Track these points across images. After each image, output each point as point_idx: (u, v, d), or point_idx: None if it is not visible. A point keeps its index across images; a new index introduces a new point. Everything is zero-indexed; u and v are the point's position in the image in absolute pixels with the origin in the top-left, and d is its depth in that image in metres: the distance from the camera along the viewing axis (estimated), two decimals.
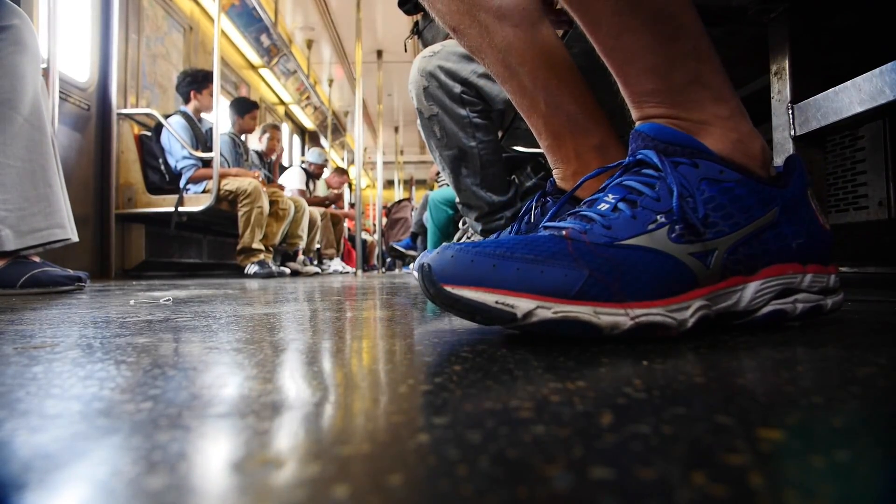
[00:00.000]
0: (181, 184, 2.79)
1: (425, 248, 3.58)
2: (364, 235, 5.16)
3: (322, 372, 0.30)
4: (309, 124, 6.64)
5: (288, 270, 3.35)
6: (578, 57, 0.69)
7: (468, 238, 1.35)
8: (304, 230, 3.56)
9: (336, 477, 0.15)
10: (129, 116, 2.86)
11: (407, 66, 1.38)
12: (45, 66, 1.85)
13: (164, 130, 2.83)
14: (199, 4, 3.82)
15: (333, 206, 4.94)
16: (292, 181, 4.43)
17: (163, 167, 2.86)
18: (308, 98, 5.88)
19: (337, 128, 7.18)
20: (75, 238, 1.29)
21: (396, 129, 8.48)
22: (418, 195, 8.76)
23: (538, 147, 0.73)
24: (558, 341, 0.38)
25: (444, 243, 0.42)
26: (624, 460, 0.16)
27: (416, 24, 1.46)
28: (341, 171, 5.53)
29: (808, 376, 0.27)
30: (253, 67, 4.93)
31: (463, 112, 1.17)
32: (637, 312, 0.36)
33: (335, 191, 5.42)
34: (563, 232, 0.39)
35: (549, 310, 0.35)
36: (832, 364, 0.29)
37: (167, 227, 2.87)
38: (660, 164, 0.41)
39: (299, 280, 2.35)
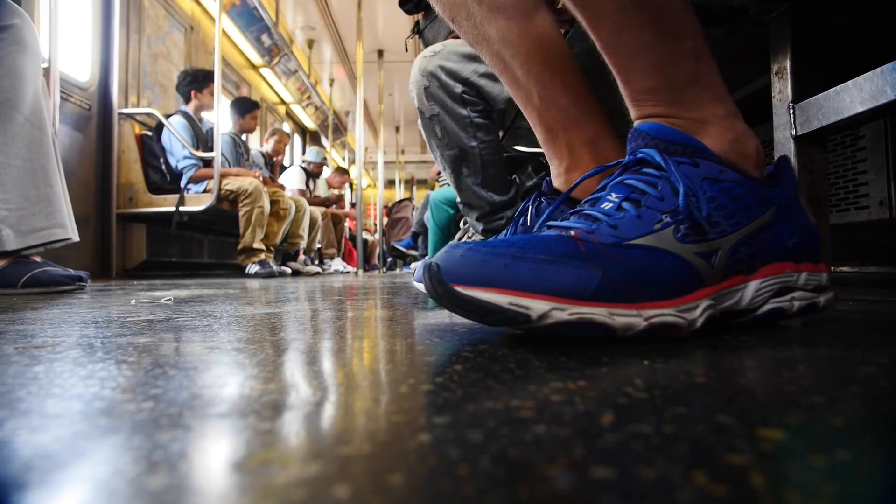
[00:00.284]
0: (182, 183, 2.79)
1: (426, 247, 3.58)
2: (365, 235, 5.15)
3: (323, 372, 0.30)
4: (310, 124, 6.65)
5: (289, 270, 3.36)
6: (580, 56, 0.69)
7: (469, 237, 1.35)
8: (304, 230, 3.57)
9: (337, 477, 0.15)
10: (130, 116, 2.87)
11: (408, 65, 1.38)
12: (45, 65, 1.86)
13: (164, 130, 2.83)
14: (200, 4, 3.82)
15: (334, 206, 4.95)
16: (292, 181, 4.43)
17: (164, 167, 2.86)
18: (309, 98, 5.88)
19: (338, 127, 7.18)
20: (76, 238, 1.29)
21: (397, 129, 8.48)
22: (419, 195, 8.76)
23: (539, 146, 0.72)
24: (559, 341, 0.38)
25: (449, 243, 0.41)
26: (625, 460, 0.16)
27: (417, 23, 1.46)
28: (342, 171, 5.53)
29: (809, 376, 0.27)
30: (254, 67, 4.93)
31: (464, 112, 1.17)
32: (650, 313, 0.36)
33: (336, 191, 5.42)
34: (572, 232, 0.39)
35: (565, 311, 0.35)
36: (833, 364, 0.29)
37: (168, 226, 2.87)
38: (663, 164, 0.41)
39: (300, 280, 2.35)
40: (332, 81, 6.52)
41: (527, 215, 0.70)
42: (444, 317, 0.57)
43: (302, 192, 4.36)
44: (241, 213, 2.87)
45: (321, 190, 5.14)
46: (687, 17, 0.43)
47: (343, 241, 5.04)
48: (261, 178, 3.01)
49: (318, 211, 4.04)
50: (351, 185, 6.40)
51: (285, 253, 3.89)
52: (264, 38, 4.46)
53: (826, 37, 0.84)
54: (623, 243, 0.38)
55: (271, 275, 2.82)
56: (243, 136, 3.46)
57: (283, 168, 4.54)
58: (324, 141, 6.65)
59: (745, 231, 0.41)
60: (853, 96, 0.63)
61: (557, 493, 0.14)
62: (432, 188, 4.77)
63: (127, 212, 2.77)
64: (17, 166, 1.17)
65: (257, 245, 2.89)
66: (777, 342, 0.37)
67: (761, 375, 0.27)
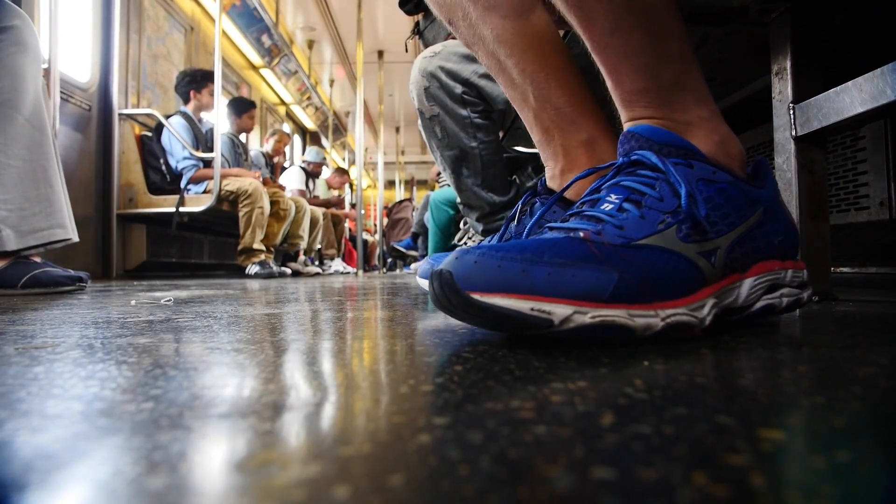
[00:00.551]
0: (182, 184, 2.79)
1: (426, 248, 3.58)
2: (365, 236, 5.16)
3: (323, 372, 0.30)
4: (310, 124, 6.65)
5: (289, 271, 3.35)
6: (579, 58, 0.69)
7: (469, 238, 1.35)
8: (305, 230, 3.57)
9: (337, 477, 0.15)
10: (131, 117, 2.87)
11: (408, 66, 1.38)
12: (46, 66, 1.86)
13: (164, 131, 2.83)
14: (200, 5, 3.82)
15: (334, 207, 4.95)
16: (292, 181, 4.44)
17: (164, 167, 2.86)
18: (309, 98, 5.88)
19: (338, 128, 7.18)
20: (76, 238, 1.29)
21: (397, 130, 8.48)
22: (419, 195, 8.76)
23: None
24: (559, 341, 0.38)
25: (458, 248, 0.40)
26: (625, 460, 0.16)
27: (417, 24, 1.46)
28: (342, 171, 5.53)
29: (809, 376, 0.27)
30: (254, 68, 4.93)
31: (464, 112, 1.17)
32: (666, 313, 0.37)
33: (336, 191, 5.43)
34: (581, 234, 0.39)
35: (587, 315, 0.34)
36: (833, 364, 0.29)
37: (168, 227, 2.87)
38: (661, 165, 0.41)
39: (300, 280, 2.35)
40: (332, 82, 6.52)
41: (518, 217, 0.70)
42: (443, 317, 0.57)
43: (302, 193, 4.37)
44: (241, 214, 2.87)
45: (321, 190, 5.14)
46: (673, 19, 0.44)
47: (343, 241, 5.04)
48: (261, 179, 3.01)
49: (318, 211, 4.04)
50: (351, 186, 6.40)
51: (285, 253, 3.89)
52: (264, 38, 4.46)
53: (826, 37, 0.84)
54: (631, 244, 0.38)
55: (271, 275, 2.82)
56: (241, 137, 3.47)
57: (284, 169, 4.54)
58: (324, 141, 6.65)
59: (740, 230, 0.42)
60: (853, 97, 0.63)
61: (558, 493, 0.14)
62: (432, 189, 4.77)
63: (127, 212, 2.77)
64: (18, 167, 1.17)
65: (257, 246, 2.89)
66: (777, 343, 0.37)
67: (761, 376, 0.27)
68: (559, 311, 0.34)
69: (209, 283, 1.87)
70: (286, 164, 4.71)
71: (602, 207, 0.42)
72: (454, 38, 1.24)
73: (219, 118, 2.85)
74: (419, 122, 1.25)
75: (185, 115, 2.89)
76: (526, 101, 0.66)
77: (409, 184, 10.17)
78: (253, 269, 2.87)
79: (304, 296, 1.04)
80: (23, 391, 0.25)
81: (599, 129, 0.66)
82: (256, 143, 4.73)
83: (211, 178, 2.77)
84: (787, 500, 0.13)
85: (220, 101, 2.91)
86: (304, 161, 4.87)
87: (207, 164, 2.83)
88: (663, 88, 0.45)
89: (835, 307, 0.62)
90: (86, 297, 1.00)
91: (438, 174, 4.07)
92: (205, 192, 2.80)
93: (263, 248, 2.93)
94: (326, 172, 5.29)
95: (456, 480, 0.15)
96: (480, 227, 1.28)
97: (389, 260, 5.46)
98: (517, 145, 1.49)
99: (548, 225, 0.43)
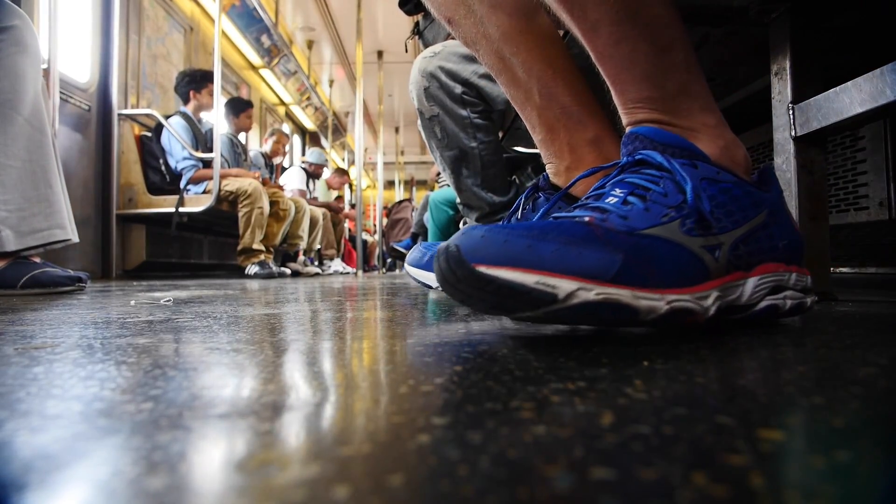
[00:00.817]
0: (182, 184, 2.79)
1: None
2: (364, 236, 5.16)
3: (322, 372, 0.30)
4: (309, 125, 6.65)
5: (288, 271, 3.36)
6: (579, 58, 0.69)
7: None
8: (304, 231, 3.57)
9: (336, 477, 0.15)
10: (130, 117, 2.87)
11: (408, 66, 1.38)
12: (45, 66, 1.86)
13: (164, 131, 2.83)
14: (199, 5, 3.82)
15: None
16: (292, 181, 4.44)
17: (163, 168, 2.86)
18: (308, 98, 5.88)
19: (337, 128, 7.18)
20: (76, 238, 1.29)
21: (397, 130, 8.48)
22: (419, 196, 8.76)
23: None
24: (559, 342, 0.38)
25: (466, 226, 0.40)
26: (625, 461, 0.16)
27: (417, 24, 1.46)
28: (342, 172, 5.53)
29: (809, 377, 0.27)
30: (253, 68, 4.93)
31: (464, 113, 1.17)
32: (671, 297, 0.37)
33: (335, 191, 5.42)
34: (587, 218, 0.39)
35: (591, 291, 0.34)
36: (833, 364, 0.29)
37: (168, 227, 2.87)
38: (666, 164, 0.42)
39: (300, 281, 2.35)
40: (331, 82, 6.52)
41: (520, 210, 0.70)
42: (444, 318, 0.57)
43: (302, 193, 4.36)
44: (240, 214, 2.87)
45: (320, 191, 5.14)
46: (678, 30, 0.45)
47: (343, 241, 5.04)
48: (260, 179, 3.01)
49: (318, 211, 4.05)
50: (350, 186, 6.40)
51: (285, 254, 3.89)
52: (264, 38, 4.46)
53: (826, 37, 0.84)
54: (635, 232, 0.38)
55: (271, 276, 2.82)
56: (240, 136, 3.47)
57: (284, 170, 4.54)
58: (323, 142, 6.65)
59: (744, 229, 0.43)
60: (853, 97, 0.63)
61: (557, 493, 0.14)
62: (432, 189, 4.77)
63: (126, 212, 2.77)
64: (17, 167, 1.17)
65: (257, 246, 2.89)
66: (776, 343, 0.37)
67: (761, 376, 0.27)
68: (564, 285, 0.34)
69: (209, 283, 1.87)
70: (286, 165, 4.72)
71: (607, 200, 0.42)
72: (454, 38, 1.24)
73: (218, 118, 2.85)
74: (419, 122, 1.25)
75: (184, 116, 2.89)
76: (530, 99, 0.67)
77: (409, 184, 10.17)
78: (252, 269, 2.87)
79: (304, 296, 1.04)
80: (22, 391, 0.25)
81: (604, 128, 0.67)
82: (255, 144, 4.72)
83: (210, 178, 2.77)
84: (786, 500, 0.13)
85: (220, 102, 2.91)
86: (304, 162, 4.87)
87: (207, 164, 2.83)
88: (668, 97, 0.45)
89: (835, 307, 0.62)
90: (85, 298, 1.00)
91: (438, 174, 4.08)
92: (204, 192, 2.80)
93: (263, 248, 2.93)
94: (326, 173, 5.29)
95: (455, 481, 0.15)
96: None
97: (389, 260, 5.46)
98: (517, 145, 1.49)
99: (553, 215, 0.43)
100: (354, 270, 4.33)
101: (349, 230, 5.48)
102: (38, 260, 1.22)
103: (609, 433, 0.18)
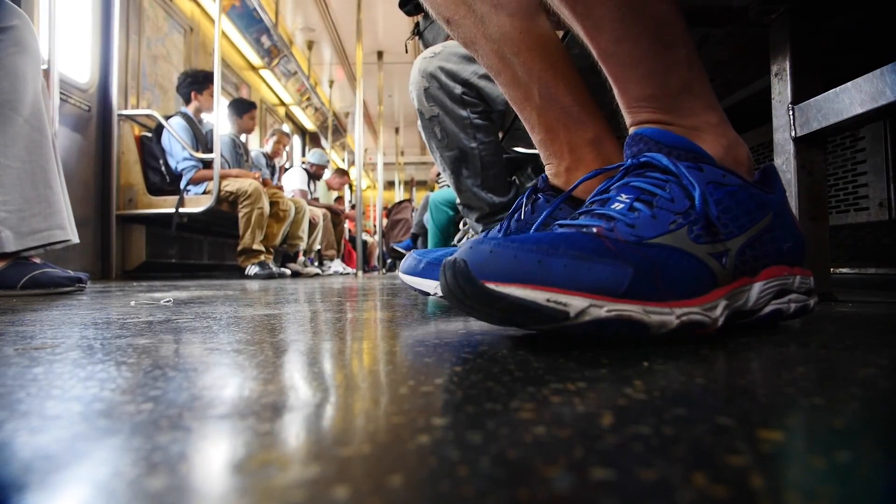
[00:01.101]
0: (182, 185, 2.79)
1: (426, 249, 3.58)
2: (364, 236, 5.16)
3: (322, 373, 0.30)
4: (309, 125, 6.65)
5: (288, 272, 3.36)
6: (578, 58, 0.69)
7: (469, 239, 1.35)
8: (304, 231, 3.57)
9: (336, 478, 0.15)
10: (130, 117, 2.87)
11: (408, 67, 1.38)
12: (45, 67, 1.86)
13: (164, 131, 2.83)
14: (199, 5, 3.82)
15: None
16: (293, 181, 4.44)
17: (163, 168, 2.86)
18: (309, 99, 5.88)
19: (337, 129, 7.18)
20: (76, 239, 1.29)
21: (397, 130, 8.48)
22: (419, 196, 8.76)
23: None
24: (559, 342, 0.38)
25: (472, 238, 0.40)
26: (625, 461, 0.16)
27: (417, 25, 1.46)
28: (342, 172, 5.53)
29: (809, 377, 0.27)
30: (253, 68, 4.93)
31: (464, 113, 1.17)
32: (681, 311, 0.36)
33: (336, 192, 5.42)
34: (595, 229, 0.38)
35: (602, 308, 0.34)
36: (833, 365, 0.29)
37: (168, 228, 2.87)
38: (672, 167, 0.41)
39: (300, 281, 2.35)
40: (331, 83, 6.52)
41: (521, 211, 0.69)
42: (444, 318, 0.57)
43: (303, 193, 4.37)
44: (240, 215, 2.87)
45: (321, 192, 5.14)
46: (680, 27, 0.44)
47: (342, 242, 5.04)
48: (260, 180, 3.01)
49: (318, 212, 4.05)
50: (350, 187, 6.40)
51: (285, 254, 3.89)
52: (264, 39, 4.46)
53: (826, 38, 0.84)
54: (643, 242, 0.38)
55: (271, 276, 2.82)
56: (242, 137, 3.47)
57: (285, 171, 4.54)
58: (323, 142, 6.65)
59: (750, 233, 0.42)
60: (853, 98, 0.63)
61: (557, 494, 0.14)
62: (432, 189, 4.77)
63: (126, 213, 2.77)
64: (17, 168, 1.17)
65: (257, 246, 2.89)
66: (776, 343, 0.37)
67: (761, 376, 0.27)
68: (575, 303, 0.33)
69: (208, 283, 1.87)
70: (287, 166, 4.72)
71: (613, 207, 0.41)
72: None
73: (218, 119, 2.85)
74: (419, 122, 1.25)
75: (185, 116, 2.89)
76: (529, 99, 0.67)
77: (409, 184, 10.17)
78: (252, 269, 2.87)
79: (304, 297, 1.04)
80: (22, 392, 0.25)
81: (604, 128, 0.67)
82: (256, 144, 4.72)
83: (211, 178, 2.77)
84: (786, 500, 0.13)
85: (220, 102, 2.91)
86: (305, 162, 4.87)
87: (207, 164, 2.83)
88: (671, 95, 0.45)
89: (834, 308, 0.62)
90: (85, 298, 1.00)
91: (438, 175, 4.07)
92: (204, 192, 2.80)
93: (263, 248, 2.93)
94: (327, 174, 5.29)
95: (455, 481, 0.15)
96: (480, 228, 1.28)
97: (389, 261, 5.46)
98: (517, 146, 1.49)
99: (557, 223, 0.42)
100: (354, 271, 4.33)
101: (349, 231, 5.48)
102: (38, 260, 1.22)
103: (609, 434, 0.18)
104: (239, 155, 3.34)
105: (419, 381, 0.27)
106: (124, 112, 2.81)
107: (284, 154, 4.04)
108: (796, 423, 0.20)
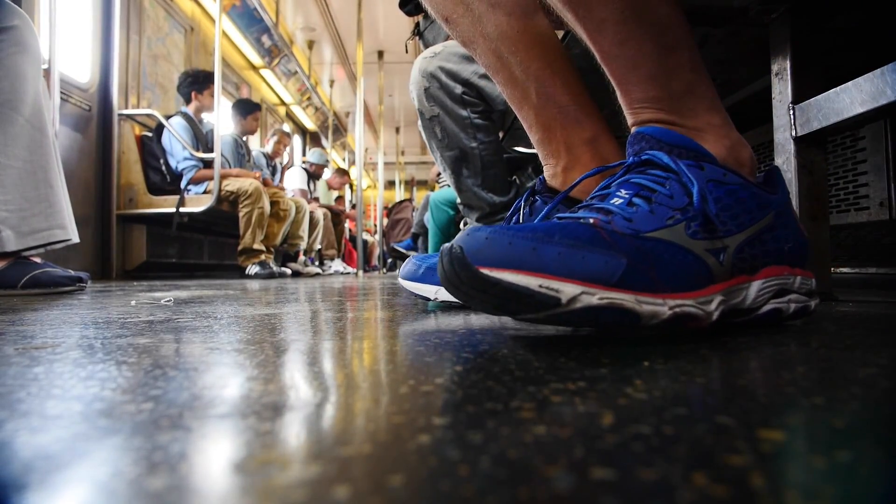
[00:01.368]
0: (182, 184, 2.79)
1: (426, 248, 3.58)
2: (365, 236, 5.16)
3: (323, 372, 0.30)
4: (310, 125, 6.65)
5: (289, 271, 3.36)
6: (578, 58, 0.69)
7: None
8: (304, 231, 3.57)
9: (337, 477, 0.15)
10: (130, 117, 2.87)
11: (408, 66, 1.38)
12: (45, 66, 1.86)
13: (165, 131, 2.83)
14: (200, 5, 3.82)
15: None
16: (293, 181, 4.44)
17: (164, 168, 2.86)
18: (309, 99, 5.88)
19: (338, 128, 7.18)
20: (76, 239, 1.29)
21: (397, 130, 8.48)
22: (419, 196, 8.76)
23: None
24: (559, 342, 0.38)
25: (469, 226, 0.40)
26: (625, 461, 0.16)
27: (418, 24, 1.46)
28: (342, 172, 5.53)
29: (809, 377, 0.27)
30: (254, 68, 4.93)
31: (464, 113, 1.17)
32: (674, 303, 0.36)
33: (336, 192, 5.42)
34: (591, 220, 0.39)
35: (594, 296, 0.34)
36: (833, 364, 0.29)
37: (168, 227, 2.87)
38: (672, 165, 0.41)
39: (300, 281, 2.35)
40: (332, 82, 6.52)
41: (519, 213, 0.69)
42: (444, 318, 0.57)
43: (304, 193, 4.37)
44: (241, 214, 2.87)
45: (321, 192, 5.14)
46: (683, 30, 0.44)
47: (343, 242, 5.04)
48: (261, 179, 3.01)
49: (319, 211, 4.05)
50: (351, 186, 6.40)
51: (285, 254, 3.89)
52: (264, 39, 4.46)
53: (826, 38, 0.84)
54: (639, 235, 0.38)
55: (271, 276, 2.83)
56: (245, 138, 3.47)
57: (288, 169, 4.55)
58: (324, 142, 6.65)
59: (749, 232, 0.42)
60: (853, 97, 0.63)
61: (557, 494, 0.14)
62: (432, 189, 4.77)
63: (127, 213, 2.77)
64: (18, 167, 1.17)
65: (257, 246, 2.89)
66: (776, 343, 0.37)
67: (761, 376, 0.27)
68: (567, 289, 0.34)
69: (209, 283, 1.87)
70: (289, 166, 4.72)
71: (612, 201, 0.42)
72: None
73: (219, 119, 2.85)
74: (419, 122, 1.25)
75: (185, 116, 2.89)
76: (527, 98, 0.66)
77: (409, 184, 10.17)
78: (253, 269, 2.87)
79: (304, 296, 1.04)
80: (23, 391, 0.25)
81: (602, 128, 0.66)
82: (256, 144, 4.73)
83: (211, 178, 2.77)
84: (787, 500, 0.13)
85: (221, 102, 2.91)
86: (305, 162, 4.87)
87: (208, 164, 2.83)
88: (673, 96, 0.45)
89: (835, 307, 0.62)
90: (86, 298, 1.00)
91: (438, 174, 4.08)
92: (205, 192, 2.80)
93: (263, 248, 2.93)
94: (327, 173, 5.29)
95: (456, 481, 0.15)
96: None
97: (389, 260, 5.46)
98: (517, 146, 1.49)
99: (557, 216, 0.43)
100: (355, 271, 4.33)
101: (349, 230, 5.48)
102: (38, 260, 1.22)
103: (609, 433, 0.18)
104: (241, 155, 3.34)
105: (419, 380, 0.27)
106: (125, 112, 2.82)
107: (285, 154, 4.04)
108: (797, 423, 0.20)
